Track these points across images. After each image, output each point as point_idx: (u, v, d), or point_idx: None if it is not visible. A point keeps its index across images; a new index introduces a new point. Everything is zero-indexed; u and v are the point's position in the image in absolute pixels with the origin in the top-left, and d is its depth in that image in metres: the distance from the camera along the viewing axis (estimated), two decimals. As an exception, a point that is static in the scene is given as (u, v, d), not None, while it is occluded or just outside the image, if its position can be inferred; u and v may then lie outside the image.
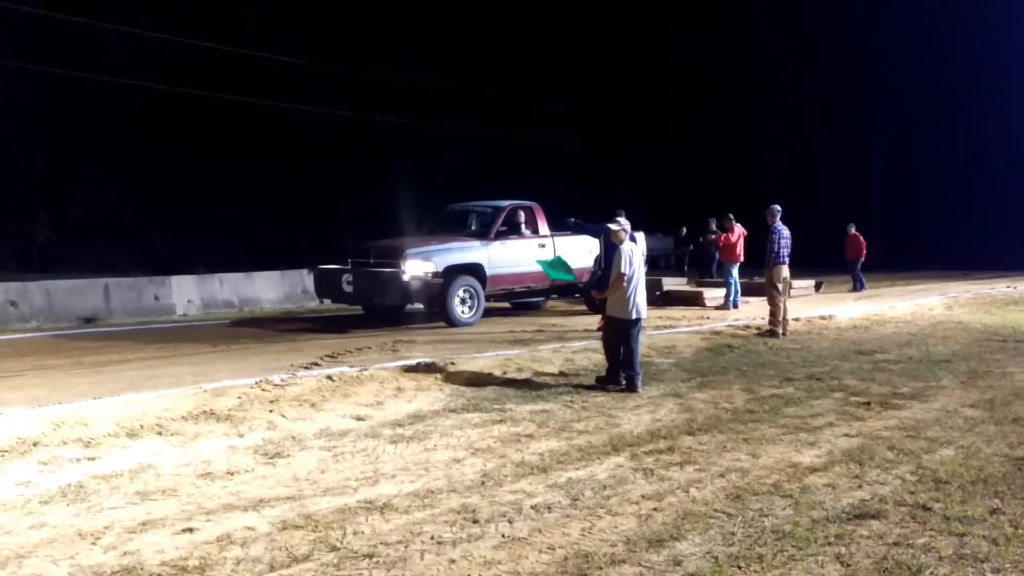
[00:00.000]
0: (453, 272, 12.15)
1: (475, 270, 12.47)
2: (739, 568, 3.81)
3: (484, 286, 12.55)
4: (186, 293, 15.86)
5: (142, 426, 6.16)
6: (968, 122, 32.49)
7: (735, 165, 35.71)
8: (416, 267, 11.84)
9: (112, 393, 6.96)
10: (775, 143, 35.55)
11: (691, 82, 37.40)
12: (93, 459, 5.55)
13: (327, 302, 14.19)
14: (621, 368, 8.07)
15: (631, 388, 7.88)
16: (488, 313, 13.80)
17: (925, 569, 3.78)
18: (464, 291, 12.27)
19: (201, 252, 24.37)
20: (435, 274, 11.94)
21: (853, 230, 19.24)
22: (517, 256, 13.00)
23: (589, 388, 8.02)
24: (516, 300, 14.32)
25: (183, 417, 6.42)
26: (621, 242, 8.11)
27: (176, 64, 26.69)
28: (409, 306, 12.92)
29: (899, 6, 32.75)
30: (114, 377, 8.05)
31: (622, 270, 7.94)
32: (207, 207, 28.62)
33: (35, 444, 5.66)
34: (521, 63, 35.59)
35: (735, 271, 15.05)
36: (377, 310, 13.12)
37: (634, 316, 8.01)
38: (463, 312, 12.25)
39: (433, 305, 12.23)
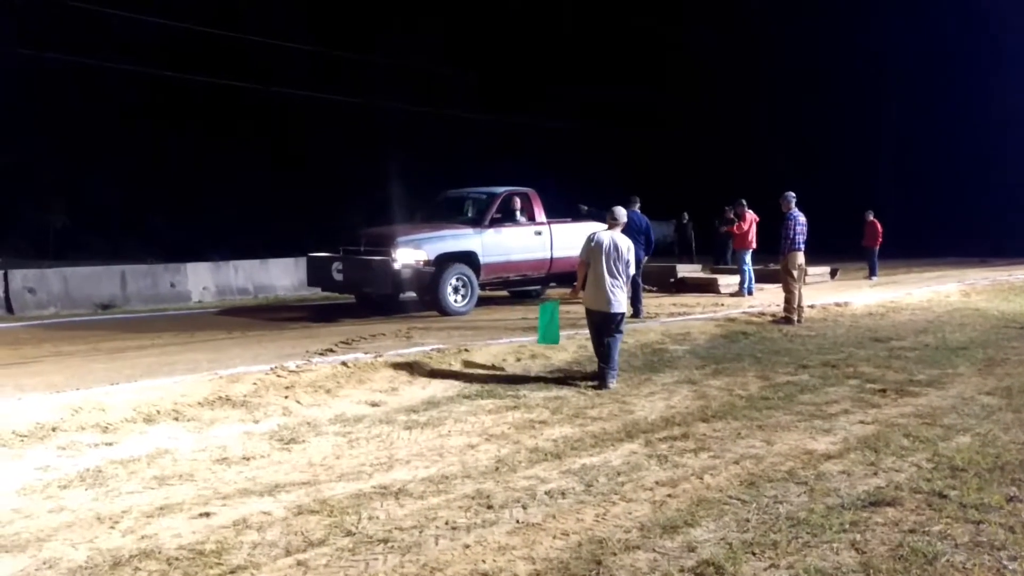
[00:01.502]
0: (446, 260, 11.88)
1: (468, 258, 12.18)
2: (753, 554, 3.81)
3: (478, 274, 12.26)
4: (201, 280, 15.96)
5: (159, 412, 6.21)
6: (986, 108, 32.13)
7: (747, 152, 35.50)
8: (407, 255, 11.58)
9: (129, 379, 7.01)
10: (789, 130, 35.29)
11: (698, 69, 37.14)
12: (111, 444, 5.61)
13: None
14: (598, 358, 7.73)
15: (601, 384, 7.48)
16: (498, 301, 13.78)
17: (941, 556, 3.76)
18: (457, 279, 11.99)
19: (215, 239, 24.51)
20: (427, 262, 11.69)
21: (871, 217, 19.07)
22: (512, 243, 12.75)
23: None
24: (512, 288, 14.04)
25: (199, 403, 6.46)
26: (609, 228, 7.85)
27: (189, 52, 26.77)
28: (402, 295, 12.64)
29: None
30: (131, 363, 8.10)
31: (579, 254, 7.89)
32: (221, 194, 28.78)
33: (54, 429, 5.71)
34: (525, 50, 35.49)
35: (748, 258, 14.96)
36: (369, 299, 12.85)
37: (610, 309, 7.59)
38: (456, 301, 11.96)
39: (425, 294, 11.96)
